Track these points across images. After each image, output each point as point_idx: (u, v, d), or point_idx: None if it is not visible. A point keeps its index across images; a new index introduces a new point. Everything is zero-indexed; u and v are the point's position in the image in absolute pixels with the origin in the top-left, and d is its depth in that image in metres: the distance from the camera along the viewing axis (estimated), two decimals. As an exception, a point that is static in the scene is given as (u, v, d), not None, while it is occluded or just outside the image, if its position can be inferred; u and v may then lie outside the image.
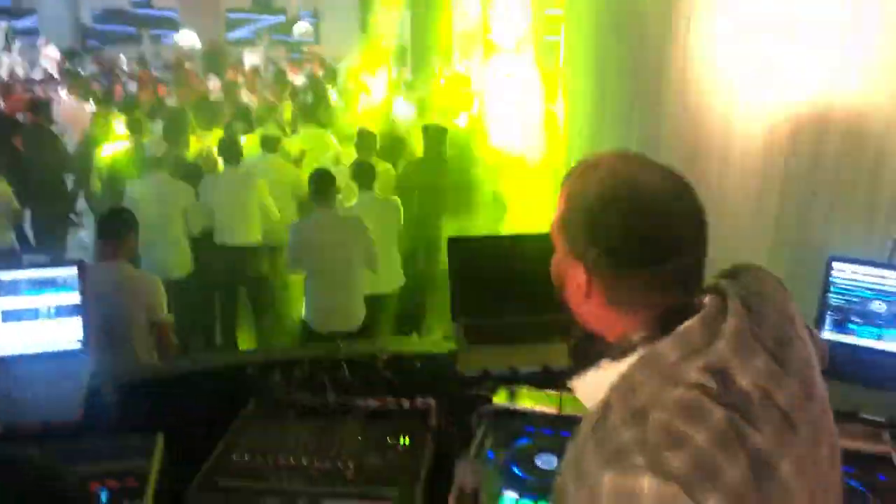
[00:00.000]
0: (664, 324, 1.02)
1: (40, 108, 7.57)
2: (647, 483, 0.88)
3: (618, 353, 1.05)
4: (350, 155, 5.99)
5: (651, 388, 0.98)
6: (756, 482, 0.91)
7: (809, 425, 1.01)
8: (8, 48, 14.06)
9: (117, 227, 3.72)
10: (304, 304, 4.68)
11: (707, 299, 1.06)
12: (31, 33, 17.50)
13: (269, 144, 5.87)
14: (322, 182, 4.58)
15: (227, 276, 5.54)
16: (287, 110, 8.47)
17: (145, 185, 5.23)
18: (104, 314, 3.17)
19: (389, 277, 5.12)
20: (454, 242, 2.40)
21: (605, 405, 1.01)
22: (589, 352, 1.10)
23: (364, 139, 5.81)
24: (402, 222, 5.21)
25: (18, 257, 6.00)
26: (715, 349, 0.98)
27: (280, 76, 11.24)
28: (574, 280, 1.08)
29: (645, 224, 1.02)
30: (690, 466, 0.89)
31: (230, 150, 5.43)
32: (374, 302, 4.88)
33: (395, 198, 5.24)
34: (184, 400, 2.30)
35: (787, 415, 0.98)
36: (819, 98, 2.96)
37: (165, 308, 3.67)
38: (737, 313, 1.02)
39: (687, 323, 1.01)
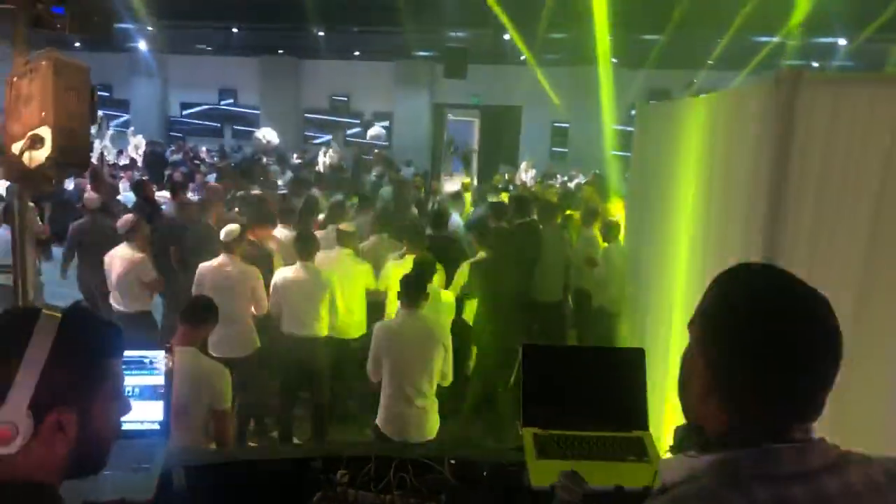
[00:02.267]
0: (757, 436, 1.03)
1: (178, 186, 8.17)
2: None
3: (709, 447, 1.06)
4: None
5: (707, 484, 0.99)
6: None
7: None
8: (101, 135, 15.01)
9: (201, 315, 3.86)
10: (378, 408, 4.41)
11: (820, 439, 1.05)
12: (123, 123, 18.80)
13: (343, 239, 6.02)
14: (412, 285, 4.45)
15: (289, 366, 5.58)
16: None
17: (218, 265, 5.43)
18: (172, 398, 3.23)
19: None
20: (529, 349, 2.36)
21: (667, 484, 1.04)
22: (685, 440, 1.12)
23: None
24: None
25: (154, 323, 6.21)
26: (792, 492, 0.98)
27: (342, 172, 11.69)
28: (695, 369, 1.11)
29: (770, 335, 1.03)
30: None
31: (306, 245, 5.52)
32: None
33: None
34: (251, 488, 2.32)
35: None
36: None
37: (229, 399, 3.72)
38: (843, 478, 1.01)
39: (783, 445, 1.01)
